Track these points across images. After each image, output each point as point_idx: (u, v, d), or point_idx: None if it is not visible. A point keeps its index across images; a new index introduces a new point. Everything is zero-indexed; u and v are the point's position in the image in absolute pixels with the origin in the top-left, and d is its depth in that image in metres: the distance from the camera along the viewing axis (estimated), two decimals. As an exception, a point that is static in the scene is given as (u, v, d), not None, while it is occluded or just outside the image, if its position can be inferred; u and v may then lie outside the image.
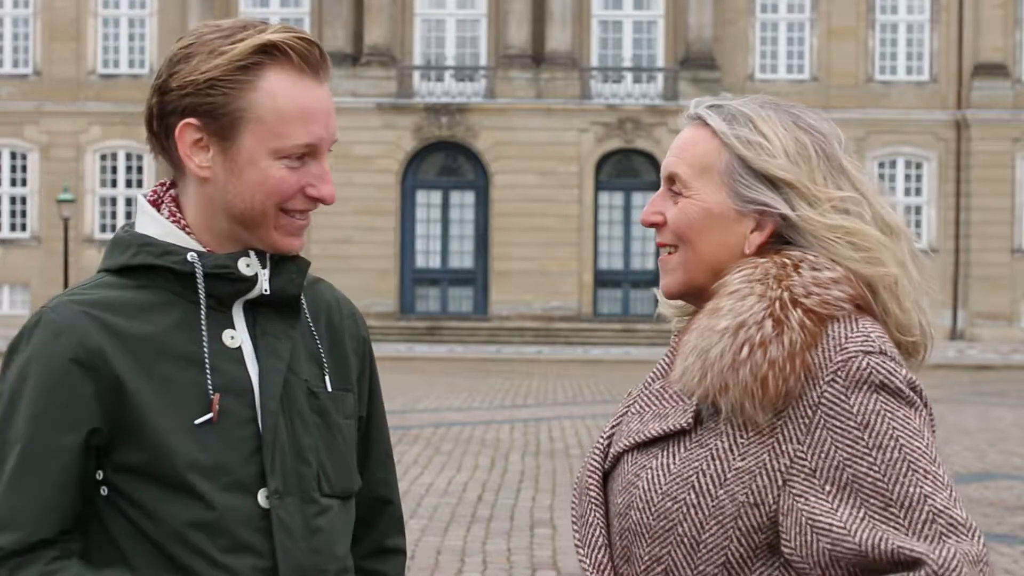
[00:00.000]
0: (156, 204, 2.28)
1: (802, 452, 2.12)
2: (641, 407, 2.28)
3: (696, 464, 2.16)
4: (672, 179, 2.28)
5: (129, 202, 45.71)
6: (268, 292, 2.25)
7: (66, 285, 41.51)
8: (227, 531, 2.19)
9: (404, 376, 30.24)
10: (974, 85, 45.88)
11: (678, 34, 46.11)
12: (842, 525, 2.08)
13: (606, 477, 2.29)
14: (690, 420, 2.18)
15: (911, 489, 2.08)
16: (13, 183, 46.79)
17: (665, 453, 2.19)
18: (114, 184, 46.66)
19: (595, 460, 2.31)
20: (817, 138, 2.25)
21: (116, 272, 2.24)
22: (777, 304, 2.14)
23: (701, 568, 2.15)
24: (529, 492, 13.68)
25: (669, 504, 2.16)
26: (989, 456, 16.96)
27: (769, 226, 2.23)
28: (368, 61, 45.05)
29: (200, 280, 2.21)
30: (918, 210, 45.75)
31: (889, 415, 2.10)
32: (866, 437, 2.09)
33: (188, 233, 2.25)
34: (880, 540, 2.06)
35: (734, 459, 2.14)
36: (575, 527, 2.29)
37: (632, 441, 2.24)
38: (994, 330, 44.75)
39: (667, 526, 2.16)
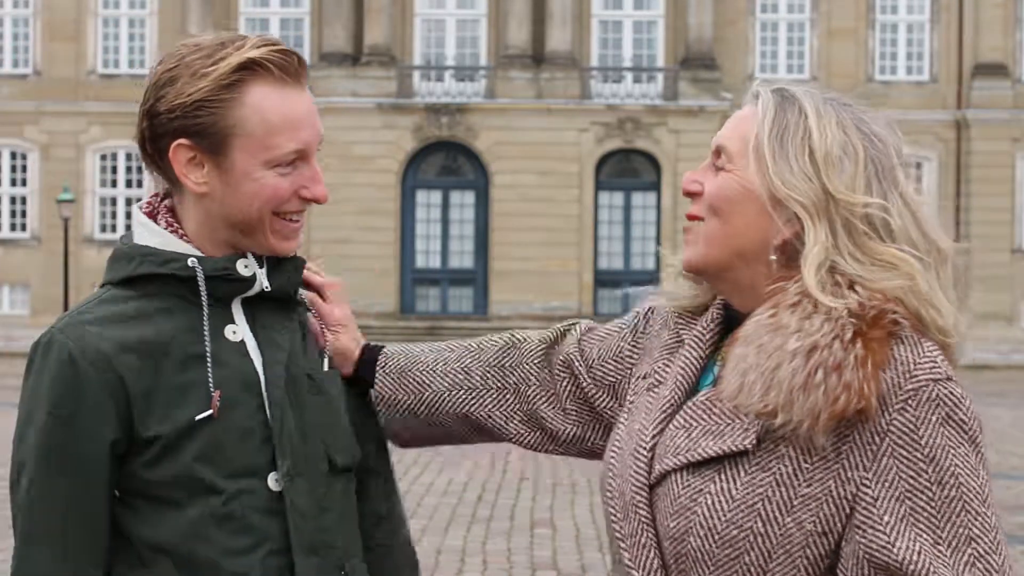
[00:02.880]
0: (152, 215, 2.39)
1: (867, 480, 2.07)
2: (687, 420, 2.17)
3: (761, 490, 2.09)
4: (718, 152, 2.22)
5: (129, 202, 45.64)
6: (268, 289, 2.36)
7: (66, 285, 41.53)
8: (238, 517, 2.28)
9: (404, 376, 30.15)
10: (974, 85, 45.87)
11: (678, 34, 46.10)
12: (898, 563, 2.04)
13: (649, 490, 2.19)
14: (753, 441, 2.10)
15: (960, 530, 2.07)
16: (13, 183, 46.77)
17: (723, 476, 2.11)
18: (114, 184, 46.64)
19: (640, 474, 2.19)
20: (875, 145, 2.17)
21: (119, 284, 2.35)
22: (842, 325, 2.07)
23: None
24: (529, 492, 13.69)
25: (735, 532, 2.09)
26: (988, 456, 16.92)
27: (798, 223, 2.15)
28: (368, 61, 45.00)
29: (202, 283, 2.32)
30: (918, 210, 45.72)
31: (952, 451, 2.09)
32: (930, 471, 2.07)
33: (186, 241, 2.35)
34: None
35: (799, 485, 2.08)
36: (623, 546, 2.19)
37: (683, 460, 2.14)
38: (994, 330, 44.71)
39: (732, 555, 2.09)
